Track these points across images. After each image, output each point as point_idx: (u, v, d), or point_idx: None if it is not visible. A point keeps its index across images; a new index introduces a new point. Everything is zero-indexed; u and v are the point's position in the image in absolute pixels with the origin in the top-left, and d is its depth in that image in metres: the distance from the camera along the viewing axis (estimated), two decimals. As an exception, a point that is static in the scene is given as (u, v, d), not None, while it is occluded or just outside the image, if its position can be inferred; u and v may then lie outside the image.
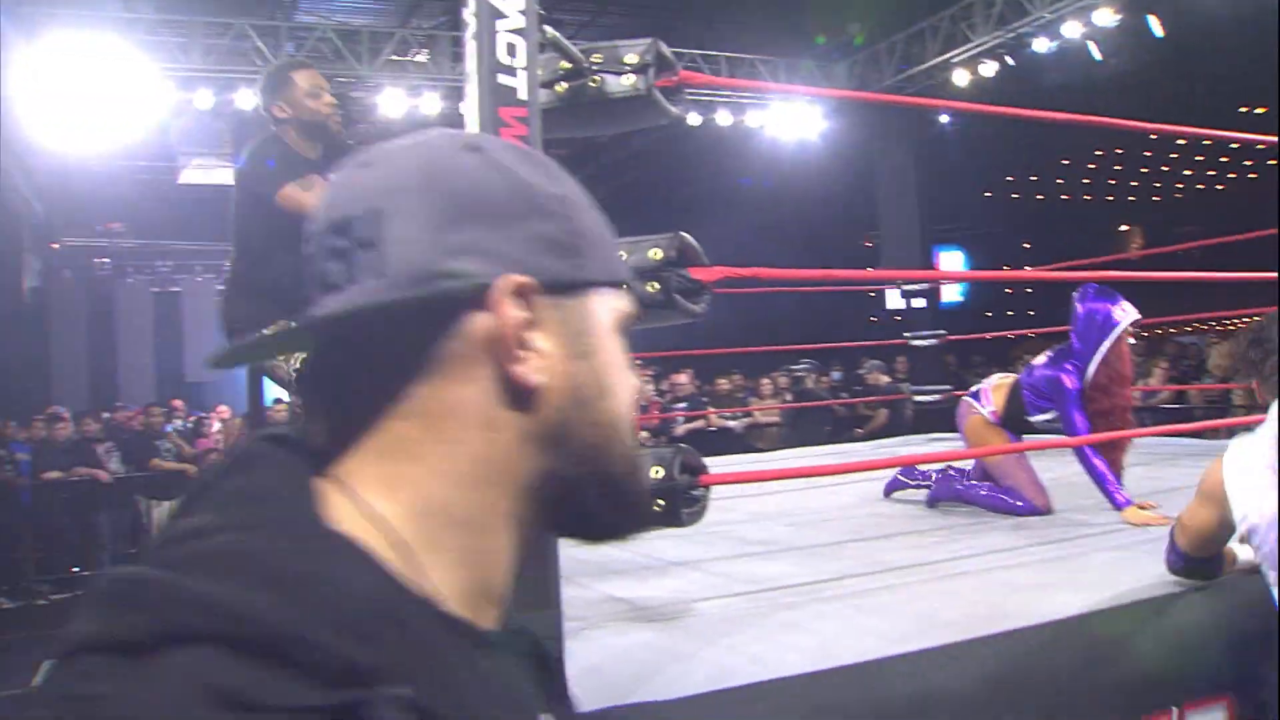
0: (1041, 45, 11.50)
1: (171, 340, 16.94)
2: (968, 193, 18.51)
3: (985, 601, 2.67)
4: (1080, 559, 3.25)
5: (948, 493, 4.51)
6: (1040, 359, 4.41)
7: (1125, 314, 4.19)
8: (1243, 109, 18.97)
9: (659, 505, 2.16)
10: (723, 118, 12.41)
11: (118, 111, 10.68)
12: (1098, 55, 11.38)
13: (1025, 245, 21.14)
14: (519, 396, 0.69)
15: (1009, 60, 11.86)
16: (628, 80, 2.42)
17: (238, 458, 0.67)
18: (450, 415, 0.68)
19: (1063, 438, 4.27)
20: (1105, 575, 2.89)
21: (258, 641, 0.54)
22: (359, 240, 0.68)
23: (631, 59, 2.44)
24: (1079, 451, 4.06)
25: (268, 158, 3.41)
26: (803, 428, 10.75)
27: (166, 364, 17.17)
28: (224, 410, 12.97)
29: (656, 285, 2.31)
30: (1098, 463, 3.94)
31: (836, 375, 12.62)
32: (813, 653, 2.29)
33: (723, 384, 12.21)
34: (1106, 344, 4.15)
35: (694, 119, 12.39)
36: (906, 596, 2.84)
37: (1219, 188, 22.27)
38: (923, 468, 4.71)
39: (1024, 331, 8.84)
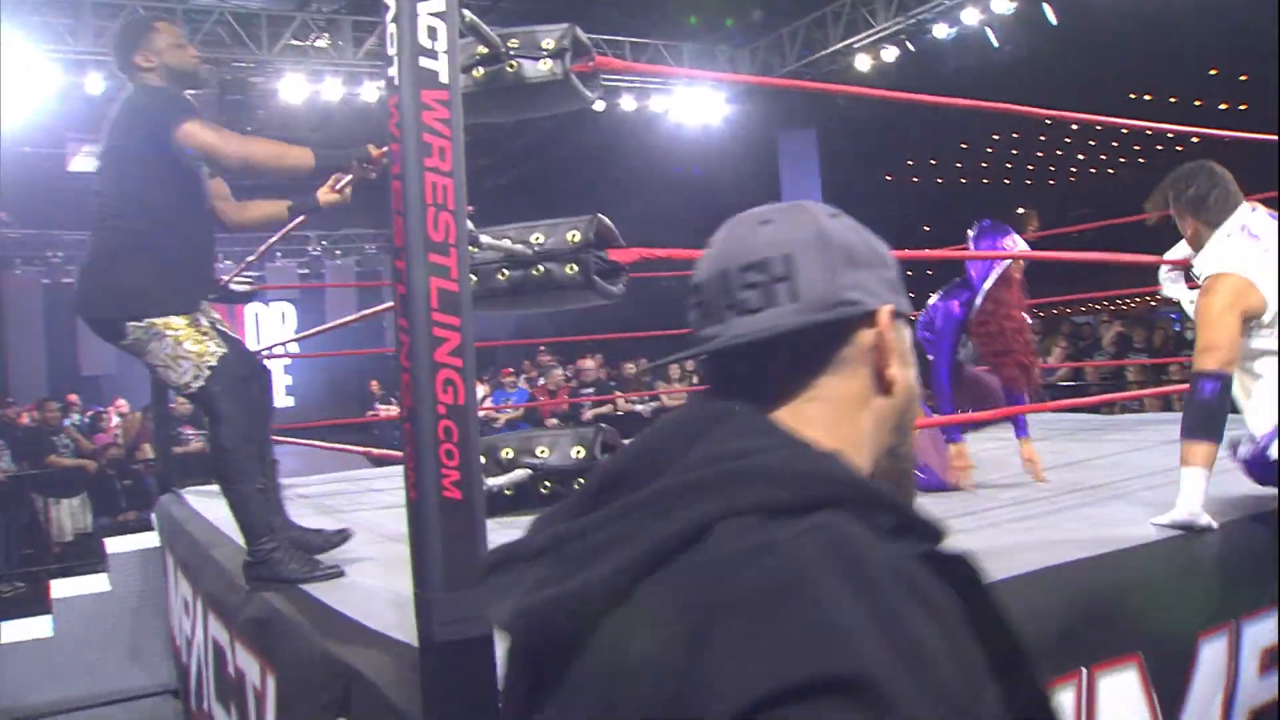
0: (941, 31, 11.73)
1: (64, 333, 16.40)
2: (869, 176, 18.79)
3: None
4: (983, 531, 3.31)
5: None
6: (934, 297, 4.48)
7: (1014, 244, 4.30)
8: (1132, 95, 19.52)
9: (580, 483, 2.18)
10: (627, 103, 12.40)
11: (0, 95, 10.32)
12: (995, 42, 11.64)
13: (925, 228, 21.53)
14: (885, 388, 0.98)
15: (909, 46, 12.08)
16: (545, 65, 2.41)
17: (688, 419, 0.94)
18: (844, 399, 0.97)
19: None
20: (1014, 544, 2.95)
21: (873, 504, 0.81)
22: (775, 276, 0.96)
23: (549, 44, 2.43)
24: (935, 373, 4.26)
25: (150, 103, 3.23)
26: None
27: (59, 358, 16.63)
28: (122, 404, 12.66)
29: (575, 267, 2.32)
30: (948, 388, 4.20)
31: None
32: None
33: (630, 368, 12.29)
34: (996, 273, 4.23)
35: (599, 105, 12.36)
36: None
37: (1110, 172, 22.92)
38: None
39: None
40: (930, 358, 4.34)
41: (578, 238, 2.33)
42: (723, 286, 0.98)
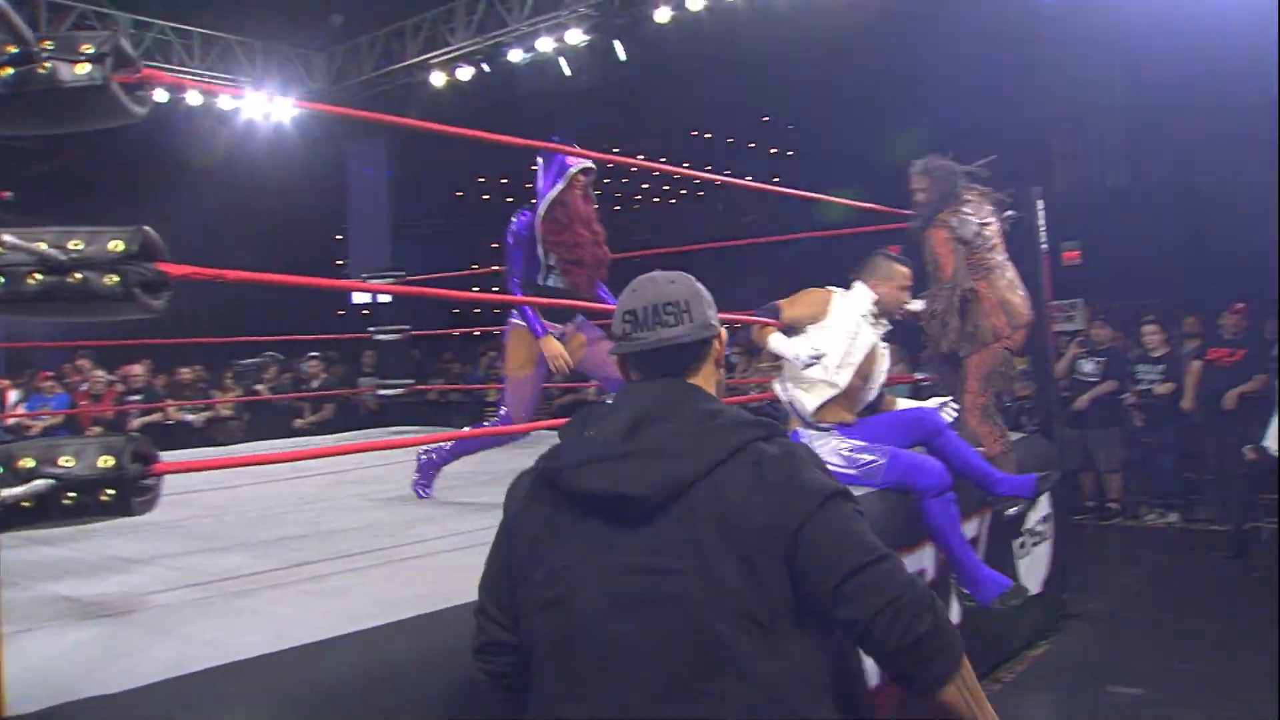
0: (516, 56, 12.12)
1: None
2: (439, 190, 18.94)
3: (432, 582, 2.90)
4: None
5: (429, 476, 4.77)
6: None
7: (579, 161, 4.61)
8: (694, 133, 21.06)
9: (108, 495, 2.14)
10: (194, 98, 11.81)
11: None
12: (568, 70, 12.19)
13: (494, 245, 22.03)
14: (721, 367, 1.99)
15: (485, 67, 12.38)
16: (82, 69, 2.25)
17: (661, 388, 1.88)
18: (710, 375, 1.95)
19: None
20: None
21: (777, 430, 1.82)
22: (681, 310, 1.91)
23: (88, 48, 2.28)
24: (507, 281, 4.62)
25: None
26: (262, 422, 10.51)
27: None
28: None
29: (115, 278, 2.27)
30: (519, 297, 4.56)
31: (306, 368, 12.48)
32: (270, 636, 2.39)
33: (185, 374, 11.69)
34: (559, 186, 4.56)
35: (161, 95, 11.67)
36: (360, 580, 3.01)
37: (672, 202, 24.49)
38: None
39: (490, 329, 9.28)
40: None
41: (121, 248, 2.28)
42: (653, 312, 1.91)
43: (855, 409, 4.60)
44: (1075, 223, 13.11)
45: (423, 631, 2.46)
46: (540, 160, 4.69)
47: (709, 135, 21.33)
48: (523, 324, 4.61)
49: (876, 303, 4.61)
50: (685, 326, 1.88)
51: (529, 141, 4.24)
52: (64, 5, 11.44)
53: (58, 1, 11.52)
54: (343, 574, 3.09)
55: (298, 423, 11.08)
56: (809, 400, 4.45)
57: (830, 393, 4.42)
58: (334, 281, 3.97)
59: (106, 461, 2.16)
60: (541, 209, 4.59)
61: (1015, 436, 6.14)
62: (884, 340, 4.76)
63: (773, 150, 21.47)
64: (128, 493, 2.18)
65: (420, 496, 4.73)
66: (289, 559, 3.32)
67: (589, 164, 4.66)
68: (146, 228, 2.35)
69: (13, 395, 11.93)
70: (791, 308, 4.53)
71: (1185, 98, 13.07)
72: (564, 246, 4.59)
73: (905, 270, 4.72)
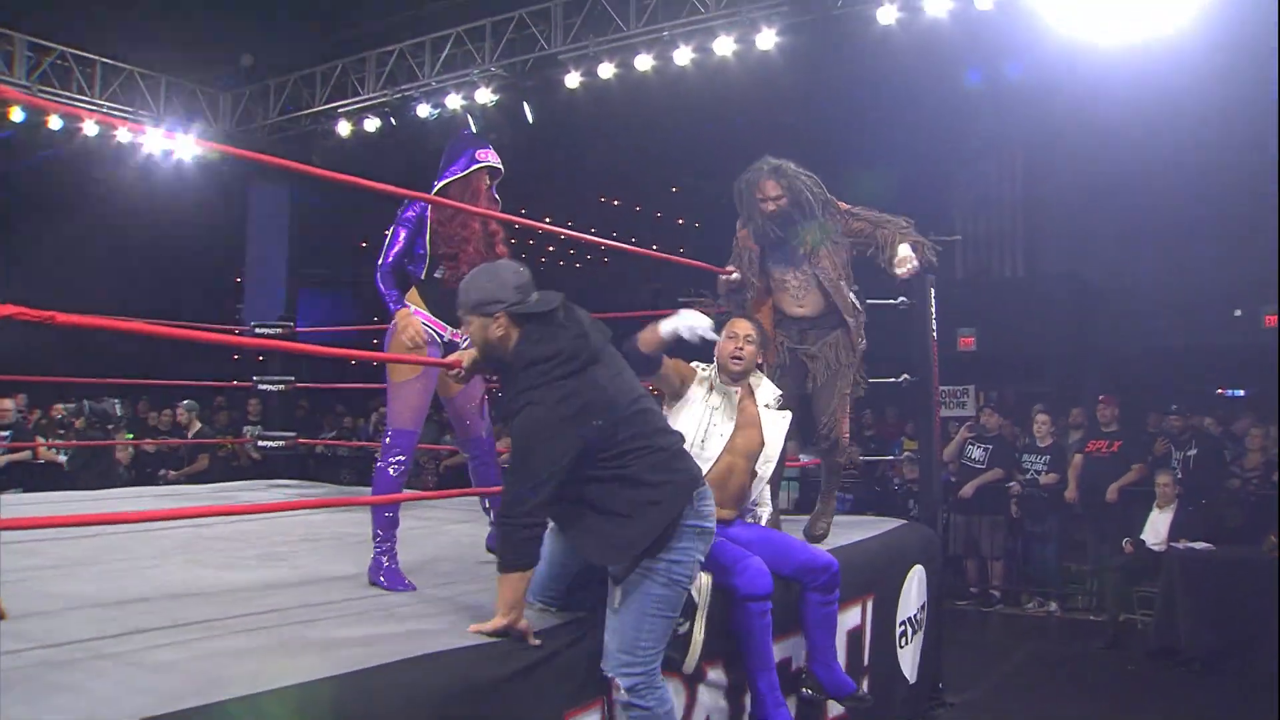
0: (424, 110, 12.02)
1: None
2: (341, 239, 18.63)
3: (273, 655, 2.73)
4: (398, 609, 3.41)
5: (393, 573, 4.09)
6: None
7: (490, 158, 4.41)
8: (603, 199, 21.09)
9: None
10: (89, 128, 11.44)
11: None
12: (474, 128, 12.11)
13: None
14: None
15: (392, 119, 12.26)
16: None
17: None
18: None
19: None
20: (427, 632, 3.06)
21: None
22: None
23: None
24: (380, 261, 4.30)
25: None
26: (102, 465, 10.10)
27: None
28: None
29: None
30: (382, 288, 4.25)
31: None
32: (80, 714, 2.21)
33: (57, 410, 11.30)
34: (453, 176, 4.32)
35: (56, 122, 11.33)
36: (194, 653, 2.82)
37: (577, 266, 24.50)
38: None
39: (376, 386, 9.09)
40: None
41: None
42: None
43: (737, 503, 4.30)
44: (972, 309, 13.39)
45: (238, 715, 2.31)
46: (446, 149, 4.48)
47: (617, 202, 21.37)
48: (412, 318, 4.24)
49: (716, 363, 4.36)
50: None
51: (432, 198, 4.10)
52: (44, 46, 11.12)
53: (39, 42, 11.19)
54: (177, 645, 2.89)
55: (169, 474, 10.70)
56: None
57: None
58: (189, 331, 3.62)
59: None
60: (436, 186, 4.31)
61: (899, 522, 6.15)
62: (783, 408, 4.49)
63: (679, 221, 21.59)
64: None
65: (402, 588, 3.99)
66: (127, 624, 3.12)
67: (497, 164, 4.45)
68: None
69: None
70: (667, 384, 4.26)
71: (1079, 194, 13.50)
72: (449, 237, 4.26)
73: (733, 322, 4.39)
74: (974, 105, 11.72)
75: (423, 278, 4.34)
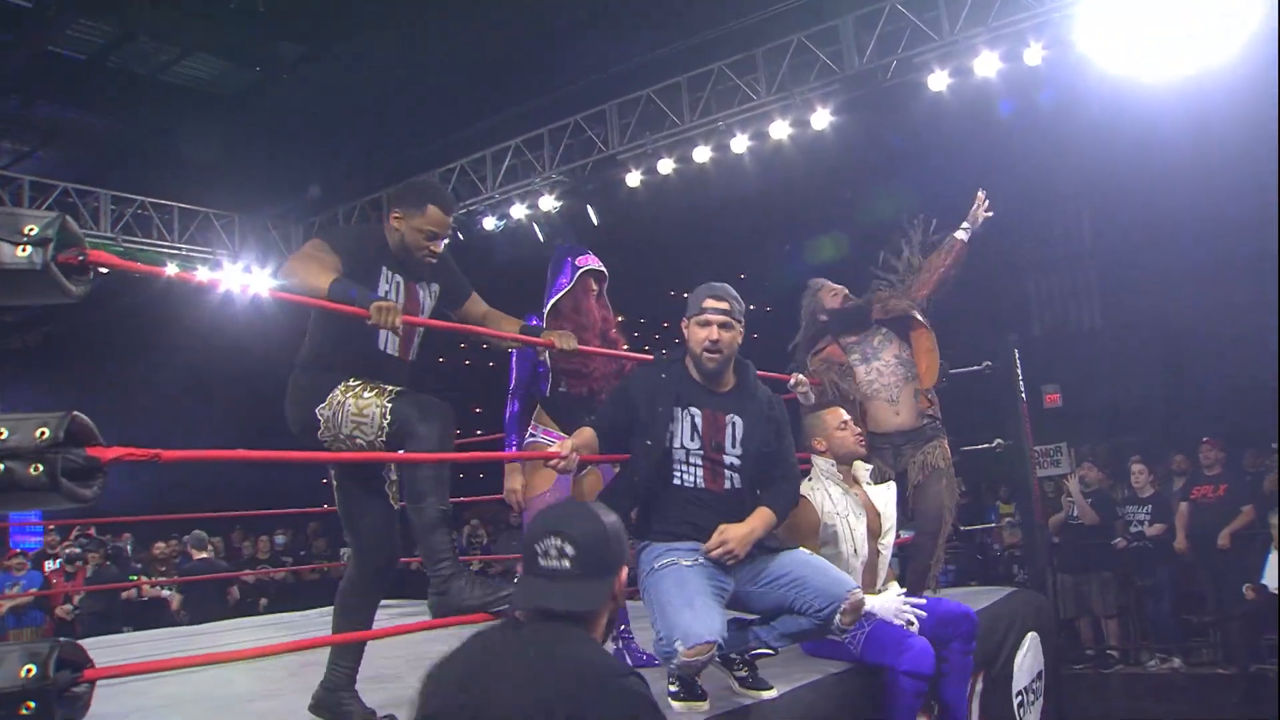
0: (490, 223, 12.25)
1: None
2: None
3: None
4: None
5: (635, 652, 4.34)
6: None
7: (589, 261, 4.41)
8: (672, 292, 21.09)
9: (28, 709, 1.99)
10: (171, 271, 11.84)
11: None
12: (540, 236, 12.28)
13: (477, 409, 21.94)
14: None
15: (460, 235, 12.48)
16: (23, 252, 2.26)
17: None
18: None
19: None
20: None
21: None
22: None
23: (31, 229, 2.28)
24: (509, 392, 4.37)
25: None
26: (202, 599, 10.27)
27: None
28: None
29: (40, 467, 2.17)
30: (506, 430, 4.37)
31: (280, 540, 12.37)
32: None
33: (159, 549, 11.47)
34: (569, 284, 4.35)
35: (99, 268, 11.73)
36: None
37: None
38: None
39: (474, 499, 9.14)
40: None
41: (46, 434, 2.20)
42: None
43: (873, 586, 4.30)
44: (1054, 365, 13.16)
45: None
46: (550, 265, 4.52)
47: (686, 295, 21.30)
48: (535, 440, 4.36)
49: (834, 464, 4.35)
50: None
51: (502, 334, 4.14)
52: (48, 185, 11.60)
53: (121, 195, 11.71)
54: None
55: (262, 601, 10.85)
56: None
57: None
58: (278, 453, 3.65)
59: (29, 670, 2.03)
60: (547, 307, 4.36)
61: (1007, 590, 5.99)
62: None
63: (750, 306, 21.46)
64: (51, 704, 2.04)
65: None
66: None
67: (599, 267, 4.47)
68: (76, 412, 2.26)
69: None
70: (795, 536, 3.97)
71: (1150, 237, 13.26)
72: (565, 354, 4.09)
73: (833, 413, 4.47)
74: (1032, 161, 11.63)
75: (547, 394, 4.42)
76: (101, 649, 5.98)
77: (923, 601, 4.16)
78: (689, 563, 3.36)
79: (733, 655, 3.52)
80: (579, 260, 4.45)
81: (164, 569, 11.46)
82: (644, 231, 12.57)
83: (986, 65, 8.52)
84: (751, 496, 3.57)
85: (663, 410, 3.50)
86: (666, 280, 19.67)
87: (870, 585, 4.24)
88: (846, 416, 4.42)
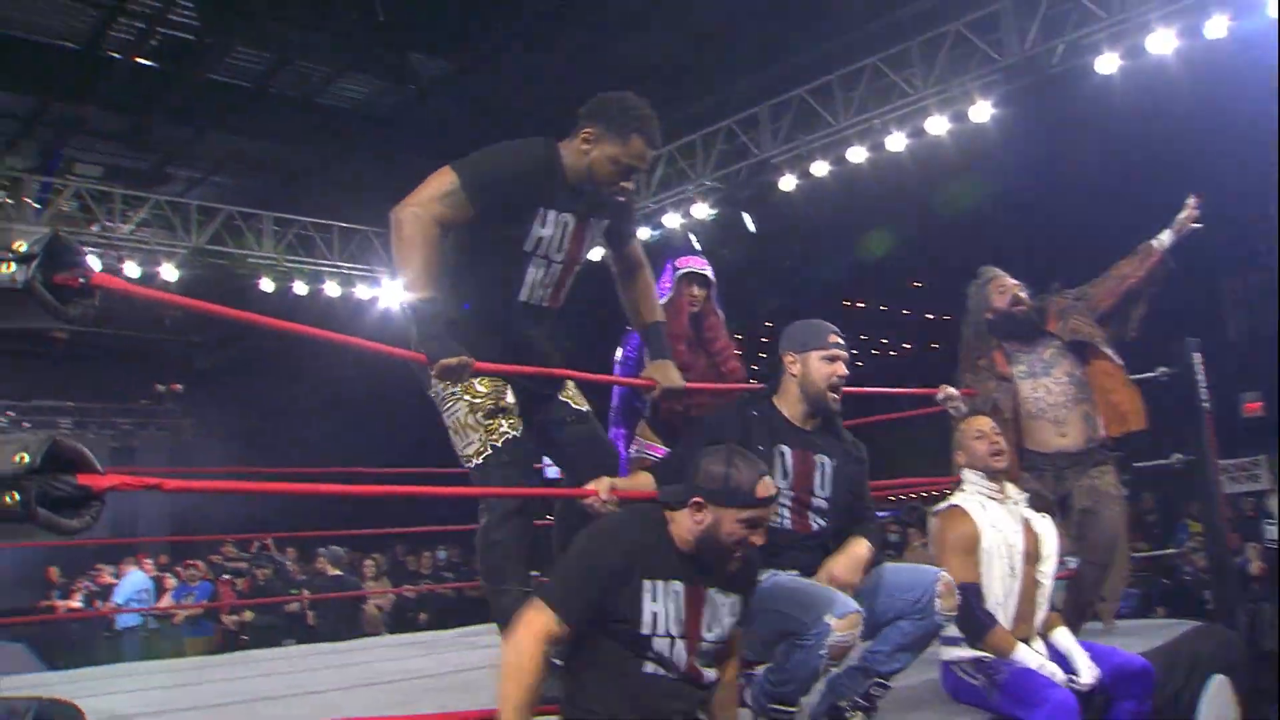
0: (643, 233, 12.06)
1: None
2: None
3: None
4: None
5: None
6: None
7: (687, 263, 4.15)
8: (845, 303, 20.42)
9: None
10: (331, 288, 12.14)
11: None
12: (697, 245, 12.02)
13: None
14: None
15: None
16: (6, 269, 2.15)
17: None
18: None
19: None
20: None
21: None
22: None
23: (19, 246, 2.15)
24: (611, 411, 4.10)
25: None
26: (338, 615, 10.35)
27: None
28: None
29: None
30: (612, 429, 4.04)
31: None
32: None
33: (322, 563, 11.66)
34: (665, 294, 4.06)
35: (301, 288, 12.03)
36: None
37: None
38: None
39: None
40: None
41: (25, 459, 2.00)
42: None
43: (1032, 619, 3.74)
44: (1254, 371, 12.11)
45: None
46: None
47: (861, 304, 20.52)
48: (640, 454, 4.13)
49: (984, 476, 3.82)
50: None
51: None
52: (213, 209, 11.96)
53: (283, 217, 12.14)
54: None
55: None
56: None
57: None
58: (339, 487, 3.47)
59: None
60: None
61: (1188, 625, 5.33)
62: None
63: (929, 315, 20.59)
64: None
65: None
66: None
67: (701, 270, 4.19)
68: (58, 436, 2.07)
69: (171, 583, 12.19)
70: (945, 552, 3.65)
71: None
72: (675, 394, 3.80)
73: (972, 423, 3.94)
74: (1219, 147, 10.67)
75: (647, 413, 4.22)
76: (237, 664, 5.99)
77: (1085, 657, 3.63)
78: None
79: (842, 703, 3.13)
80: (679, 262, 4.20)
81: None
82: (800, 237, 12.20)
83: (1162, 43, 7.82)
84: (836, 540, 3.26)
85: (763, 450, 3.13)
86: (837, 288, 19.04)
87: (1028, 617, 3.70)
88: (986, 426, 3.88)
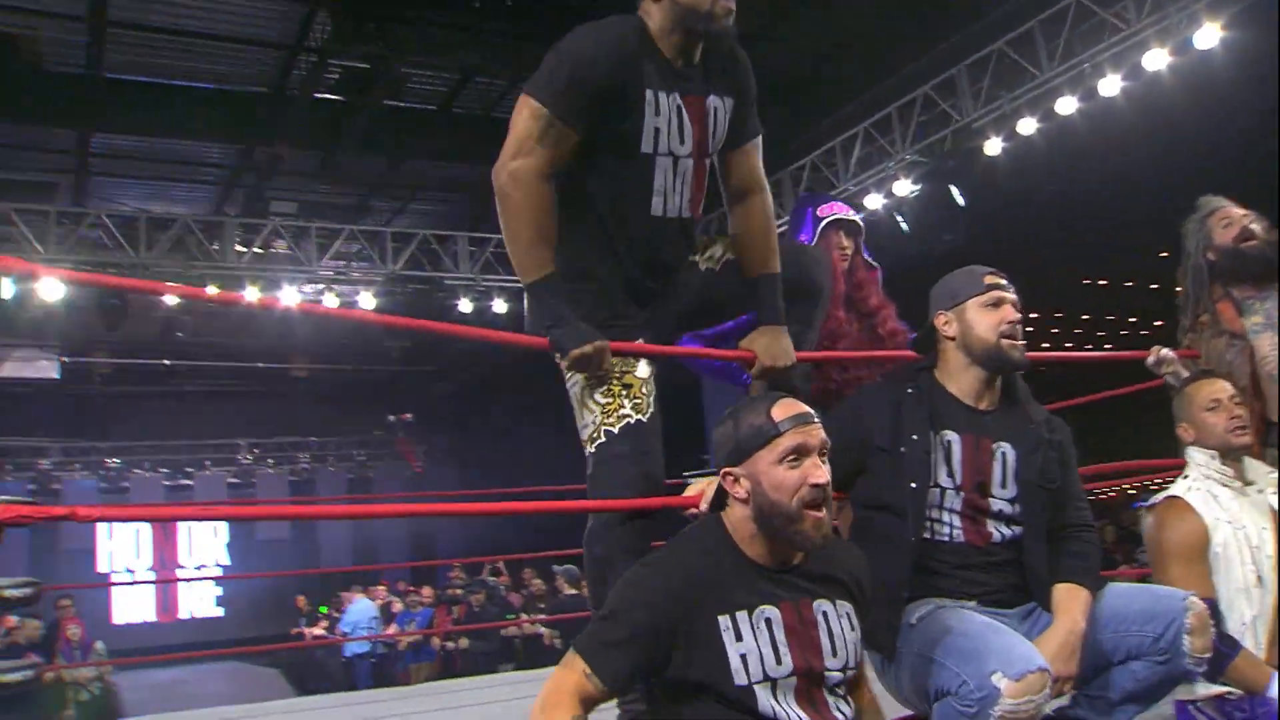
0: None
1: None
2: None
3: None
4: None
5: None
6: None
7: (833, 210, 3.56)
8: (1086, 281, 19.04)
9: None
10: (499, 305, 12.10)
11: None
12: (905, 226, 11.26)
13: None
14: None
15: (815, 235, 11.73)
16: None
17: None
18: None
19: None
20: None
21: None
22: None
23: None
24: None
25: None
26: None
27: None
28: None
29: None
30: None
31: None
32: None
33: (536, 585, 11.59)
34: (808, 241, 3.48)
35: (465, 306, 12.01)
36: None
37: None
38: None
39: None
40: None
41: None
42: None
43: None
44: None
45: None
46: (790, 222, 3.70)
47: (1103, 281, 18.97)
48: None
49: (1217, 456, 3.00)
50: None
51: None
52: (482, 238, 12.05)
53: (476, 236, 12.20)
54: None
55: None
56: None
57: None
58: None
59: None
60: None
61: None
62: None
63: (1179, 289, 18.69)
64: None
65: None
66: None
67: (850, 215, 3.58)
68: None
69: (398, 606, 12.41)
70: (1166, 558, 2.91)
71: None
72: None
73: (1203, 387, 3.12)
74: None
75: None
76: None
77: None
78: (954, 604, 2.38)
79: None
80: (821, 210, 3.55)
81: (542, 606, 11.51)
82: (1012, 208, 11.24)
83: None
84: (1034, 556, 2.46)
85: (918, 438, 2.44)
86: (1060, 257, 17.62)
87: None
88: (1223, 393, 3.03)
